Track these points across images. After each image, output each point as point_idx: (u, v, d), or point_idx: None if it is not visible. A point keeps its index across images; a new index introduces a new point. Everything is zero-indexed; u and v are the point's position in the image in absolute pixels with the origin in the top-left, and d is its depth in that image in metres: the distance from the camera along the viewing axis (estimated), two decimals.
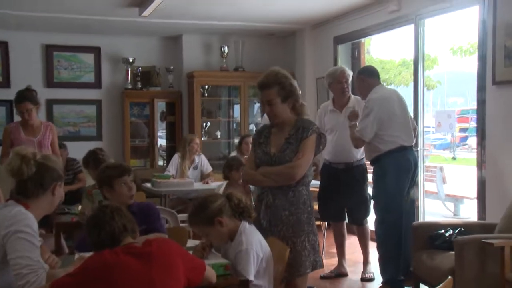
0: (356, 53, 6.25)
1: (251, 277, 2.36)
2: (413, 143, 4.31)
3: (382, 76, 10.73)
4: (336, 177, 4.64)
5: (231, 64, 6.99)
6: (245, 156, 5.41)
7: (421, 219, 5.15)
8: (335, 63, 6.07)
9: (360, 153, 4.55)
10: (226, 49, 6.86)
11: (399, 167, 4.15)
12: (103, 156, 4.00)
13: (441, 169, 8.08)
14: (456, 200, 7.89)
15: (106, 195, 2.98)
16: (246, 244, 2.43)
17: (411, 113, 4.68)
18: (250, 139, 5.57)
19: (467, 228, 3.97)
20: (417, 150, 5.01)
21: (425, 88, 12.06)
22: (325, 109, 4.70)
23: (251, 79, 6.35)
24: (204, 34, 6.95)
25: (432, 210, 8.53)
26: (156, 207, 2.97)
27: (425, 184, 6.78)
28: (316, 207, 5.18)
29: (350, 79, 4.54)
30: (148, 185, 5.08)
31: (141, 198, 3.99)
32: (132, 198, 2.92)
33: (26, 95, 4.83)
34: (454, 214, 7.98)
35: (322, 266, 3.02)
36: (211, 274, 2.11)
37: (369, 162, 4.42)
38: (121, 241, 1.91)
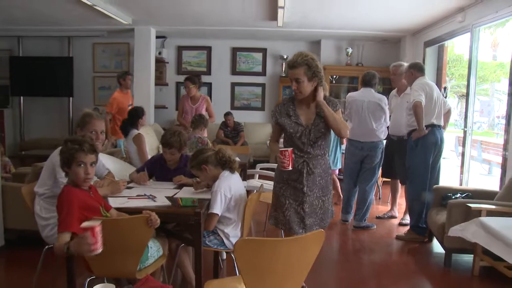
0: (440, 55, 7.50)
1: (214, 211, 2.72)
2: (442, 124, 4.59)
3: (479, 73, 11.05)
4: (391, 145, 5.17)
5: (354, 61, 9.25)
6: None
7: (465, 182, 5.70)
8: (423, 62, 7.20)
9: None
10: (350, 50, 9.16)
11: (427, 140, 4.44)
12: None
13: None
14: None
15: None
16: (217, 187, 2.77)
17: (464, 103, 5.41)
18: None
19: (475, 194, 4.20)
20: (465, 130, 5.61)
21: None
22: (392, 94, 5.40)
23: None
24: (335, 39, 9.18)
25: None
26: None
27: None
28: None
29: (399, 72, 5.05)
30: None
31: None
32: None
33: (189, 77, 5.77)
34: None
35: (333, 215, 3.12)
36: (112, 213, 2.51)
37: (407, 136, 4.77)
38: None
